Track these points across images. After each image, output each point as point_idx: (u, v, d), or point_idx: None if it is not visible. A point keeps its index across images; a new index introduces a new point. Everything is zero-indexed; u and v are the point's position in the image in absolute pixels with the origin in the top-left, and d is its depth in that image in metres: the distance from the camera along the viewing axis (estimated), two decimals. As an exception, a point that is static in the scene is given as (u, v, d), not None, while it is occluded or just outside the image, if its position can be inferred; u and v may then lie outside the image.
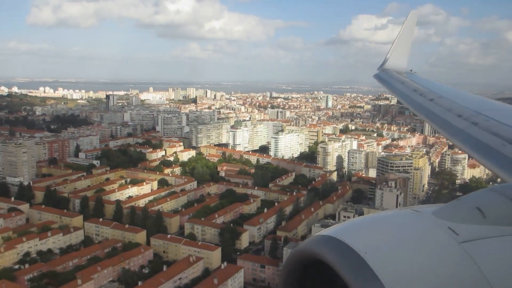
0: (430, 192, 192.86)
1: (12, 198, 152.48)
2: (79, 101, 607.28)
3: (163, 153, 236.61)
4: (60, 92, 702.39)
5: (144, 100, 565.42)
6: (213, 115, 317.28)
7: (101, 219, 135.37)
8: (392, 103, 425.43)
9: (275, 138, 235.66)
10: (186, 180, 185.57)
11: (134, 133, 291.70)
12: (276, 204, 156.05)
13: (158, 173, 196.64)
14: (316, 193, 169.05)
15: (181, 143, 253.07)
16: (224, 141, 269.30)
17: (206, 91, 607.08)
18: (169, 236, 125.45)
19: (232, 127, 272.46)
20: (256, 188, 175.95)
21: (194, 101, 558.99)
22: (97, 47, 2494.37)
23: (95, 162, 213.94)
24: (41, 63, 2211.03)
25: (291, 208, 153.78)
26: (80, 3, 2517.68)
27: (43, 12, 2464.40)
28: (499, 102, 9.31)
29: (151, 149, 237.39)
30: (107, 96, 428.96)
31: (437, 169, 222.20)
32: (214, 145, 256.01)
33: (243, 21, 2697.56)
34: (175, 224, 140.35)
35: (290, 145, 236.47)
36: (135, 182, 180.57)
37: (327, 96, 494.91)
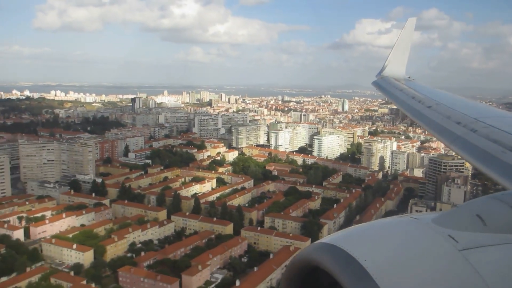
0: (474, 192, 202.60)
1: (93, 194, 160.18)
2: (94, 104, 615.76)
3: (208, 153, 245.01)
4: (71, 96, 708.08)
5: (161, 103, 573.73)
6: (245, 117, 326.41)
7: (187, 213, 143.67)
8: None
9: (318, 139, 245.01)
10: (243, 178, 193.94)
11: (170, 134, 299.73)
12: (341, 200, 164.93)
13: (213, 172, 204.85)
14: (371, 191, 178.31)
15: (222, 144, 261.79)
16: (261, 142, 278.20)
17: (221, 95, 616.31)
18: (259, 228, 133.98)
19: (273, 129, 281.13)
20: (314, 186, 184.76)
21: (210, 104, 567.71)
22: (101, 51, 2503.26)
23: (146, 161, 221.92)
24: (43, 67, 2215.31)
25: (354, 204, 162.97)
26: (85, 8, 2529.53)
27: (48, 16, 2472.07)
28: (498, 109, 9.42)
29: (196, 150, 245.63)
30: (133, 99, 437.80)
31: (472, 170, 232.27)
32: (256, 145, 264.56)
33: (247, 25, 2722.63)
34: (254, 218, 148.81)
35: (332, 146, 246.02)
36: (197, 180, 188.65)
37: (343, 100, 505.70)
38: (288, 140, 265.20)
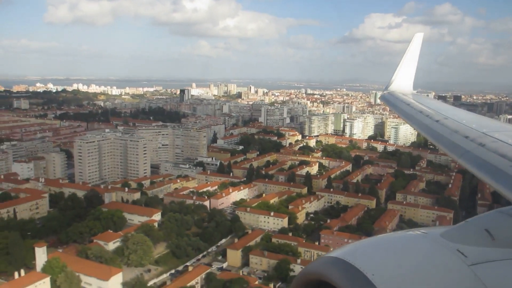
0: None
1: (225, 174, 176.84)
2: (123, 96, 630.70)
3: (289, 140, 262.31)
4: (94, 89, 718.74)
5: (193, 95, 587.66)
6: (305, 108, 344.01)
7: (331, 189, 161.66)
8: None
9: (395, 128, 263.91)
10: (343, 163, 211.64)
11: (237, 123, 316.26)
12: (450, 183, 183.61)
13: (310, 156, 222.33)
14: (470, 175, 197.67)
15: (297, 132, 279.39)
16: (329, 131, 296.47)
17: (250, 87, 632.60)
18: (404, 202, 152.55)
19: (337, 119, 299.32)
20: (411, 170, 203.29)
21: (239, 96, 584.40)
22: (109, 45, 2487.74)
23: (237, 147, 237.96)
24: (50, 61, 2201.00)
25: (461, 185, 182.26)
26: (97, 2, 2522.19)
27: (59, 10, 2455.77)
28: (506, 123, 9.84)
29: (276, 137, 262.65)
30: (181, 91, 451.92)
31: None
32: (326, 134, 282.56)
33: (256, 19, 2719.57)
34: (382, 195, 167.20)
35: (405, 134, 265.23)
36: (305, 163, 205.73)
37: (375, 93, 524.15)
38: (361, 129, 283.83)
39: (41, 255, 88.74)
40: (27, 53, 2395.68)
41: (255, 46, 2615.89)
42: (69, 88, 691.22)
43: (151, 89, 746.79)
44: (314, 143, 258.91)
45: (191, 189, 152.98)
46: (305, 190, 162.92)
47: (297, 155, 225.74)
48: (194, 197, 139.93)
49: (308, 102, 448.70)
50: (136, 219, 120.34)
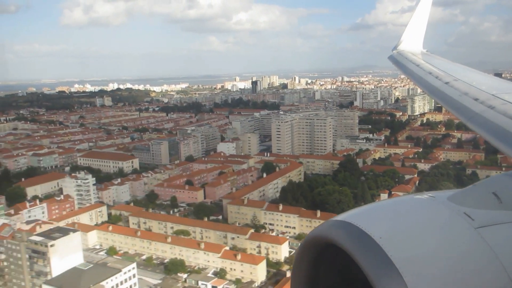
0: None
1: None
2: (170, 92, 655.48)
3: (403, 118, 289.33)
4: (137, 87, 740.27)
5: (242, 88, 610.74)
6: (390, 91, 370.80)
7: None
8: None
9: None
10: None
11: (329, 107, 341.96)
12: None
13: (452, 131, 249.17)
14: None
15: (402, 112, 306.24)
16: (426, 110, 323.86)
17: (295, 77, 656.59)
18: None
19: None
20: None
21: (285, 86, 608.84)
22: (123, 45, 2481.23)
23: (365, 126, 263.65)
24: (61, 63, 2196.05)
25: None
26: (112, 3, 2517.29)
27: (74, 13, 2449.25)
28: None
29: (389, 117, 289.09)
30: (254, 82, 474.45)
31: None
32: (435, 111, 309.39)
33: (267, 11, 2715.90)
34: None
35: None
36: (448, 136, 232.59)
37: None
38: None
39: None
40: (40, 57, 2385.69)
41: (266, 38, 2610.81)
42: (107, 88, 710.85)
43: (183, 86, 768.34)
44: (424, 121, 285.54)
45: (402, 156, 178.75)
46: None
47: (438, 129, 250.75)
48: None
49: (372, 86, 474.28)
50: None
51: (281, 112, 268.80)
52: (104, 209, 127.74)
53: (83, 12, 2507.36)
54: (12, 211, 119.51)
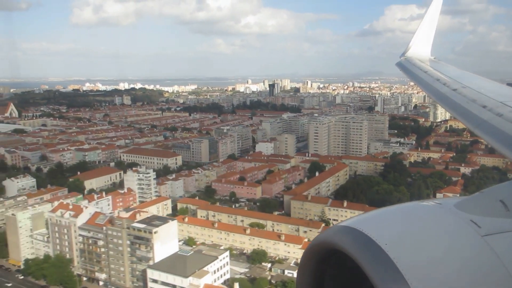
0: None
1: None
2: (181, 93, 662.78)
3: (428, 123, 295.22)
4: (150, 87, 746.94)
5: (254, 90, 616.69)
6: (410, 97, 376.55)
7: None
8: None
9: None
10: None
11: (355, 112, 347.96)
12: None
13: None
14: None
15: (424, 118, 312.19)
16: (448, 117, 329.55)
17: (307, 81, 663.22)
18: None
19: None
20: None
21: (297, 90, 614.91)
22: (130, 45, 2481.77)
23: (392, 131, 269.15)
24: (69, 62, 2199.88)
25: None
26: (122, 3, 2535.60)
27: (84, 12, 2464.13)
28: None
29: (412, 123, 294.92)
30: (271, 85, 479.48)
31: None
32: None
33: (276, 15, 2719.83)
34: None
35: None
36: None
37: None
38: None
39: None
40: (48, 55, 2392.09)
41: (273, 42, 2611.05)
42: (118, 87, 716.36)
43: (192, 87, 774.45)
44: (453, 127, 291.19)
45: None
46: None
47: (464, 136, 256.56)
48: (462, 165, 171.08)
49: (388, 92, 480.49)
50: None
51: (304, 114, 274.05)
52: (169, 202, 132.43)
53: (93, 12, 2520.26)
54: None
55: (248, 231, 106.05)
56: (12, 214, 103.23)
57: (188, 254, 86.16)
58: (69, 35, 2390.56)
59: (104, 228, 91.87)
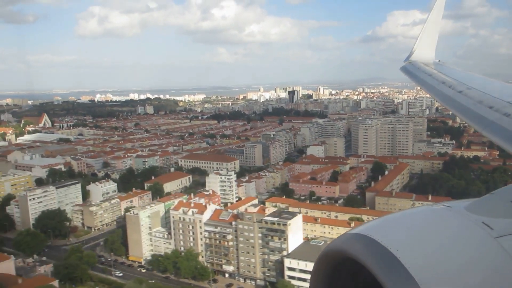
0: None
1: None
2: (193, 102, 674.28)
3: (456, 124, 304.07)
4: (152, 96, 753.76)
5: (269, 98, 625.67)
6: (432, 100, 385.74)
7: None
8: None
9: None
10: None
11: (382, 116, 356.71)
12: None
13: None
14: None
15: (451, 120, 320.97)
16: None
17: (319, 88, 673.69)
18: None
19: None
20: None
21: (310, 96, 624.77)
22: (134, 56, 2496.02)
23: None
24: (75, 74, 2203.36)
25: None
26: (127, 14, 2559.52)
27: (89, 23, 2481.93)
28: None
29: (441, 125, 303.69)
30: (291, 92, 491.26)
31: None
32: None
33: (279, 23, 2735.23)
34: None
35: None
36: None
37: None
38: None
39: None
40: (52, 67, 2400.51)
41: (276, 50, 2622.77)
42: (130, 98, 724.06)
43: (200, 96, 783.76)
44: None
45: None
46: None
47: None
48: None
49: (405, 96, 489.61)
50: None
51: (338, 119, 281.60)
52: (256, 201, 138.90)
53: (98, 23, 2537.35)
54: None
55: (352, 224, 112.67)
56: (135, 213, 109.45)
57: (321, 244, 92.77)
58: (74, 46, 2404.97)
59: (234, 223, 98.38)
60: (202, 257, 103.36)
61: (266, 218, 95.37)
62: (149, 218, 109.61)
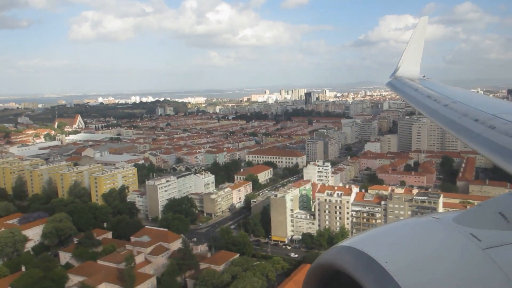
0: None
1: None
2: (201, 104, 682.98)
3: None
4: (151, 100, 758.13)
5: (275, 100, 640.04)
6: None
7: None
8: None
9: None
10: None
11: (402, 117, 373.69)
12: None
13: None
14: None
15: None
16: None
17: (325, 90, 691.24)
18: None
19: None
20: None
21: (317, 98, 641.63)
22: (127, 59, 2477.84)
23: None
24: (66, 78, 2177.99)
25: None
26: (121, 18, 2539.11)
27: (83, 28, 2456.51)
28: None
29: None
30: (307, 94, 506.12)
31: None
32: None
33: (272, 27, 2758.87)
34: None
35: None
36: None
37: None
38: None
39: None
40: (43, 72, 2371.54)
41: (268, 54, 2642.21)
42: (129, 101, 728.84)
43: (202, 99, 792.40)
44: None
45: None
46: None
47: None
48: None
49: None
50: None
51: (369, 119, 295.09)
52: (357, 189, 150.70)
53: (91, 28, 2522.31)
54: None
55: (468, 207, 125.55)
56: (282, 197, 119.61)
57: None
58: (67, 51, 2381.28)
59: (383, 202, 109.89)
60: (350, 234, 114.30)
61: (416, 197, 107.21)
62: (291, 201, 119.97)
